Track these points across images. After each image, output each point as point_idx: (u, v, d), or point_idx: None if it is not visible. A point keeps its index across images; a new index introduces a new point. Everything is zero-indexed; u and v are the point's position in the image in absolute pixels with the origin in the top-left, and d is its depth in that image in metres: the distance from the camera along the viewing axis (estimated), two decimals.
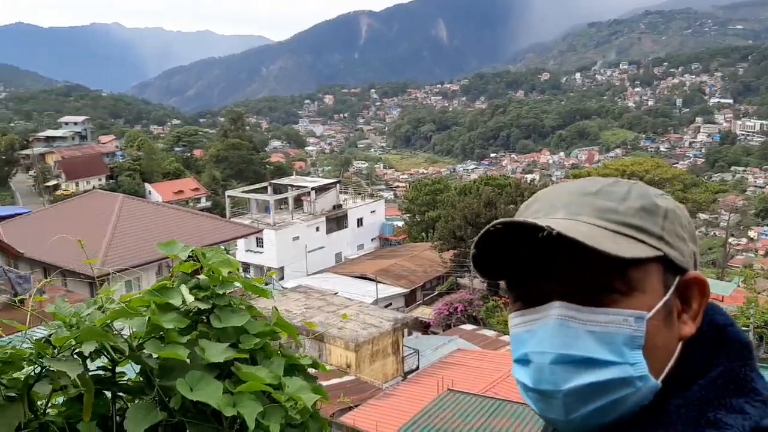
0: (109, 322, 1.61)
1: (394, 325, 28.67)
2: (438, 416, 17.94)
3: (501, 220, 1.01)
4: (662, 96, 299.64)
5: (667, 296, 1.02)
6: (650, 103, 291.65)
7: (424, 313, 41.68)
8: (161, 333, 1.63)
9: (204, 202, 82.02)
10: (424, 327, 40.49)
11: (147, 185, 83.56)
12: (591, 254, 0.96)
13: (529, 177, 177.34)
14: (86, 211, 35.25)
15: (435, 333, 38.43)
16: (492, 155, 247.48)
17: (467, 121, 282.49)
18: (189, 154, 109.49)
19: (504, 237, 1.02)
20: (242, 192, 57.71)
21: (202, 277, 1.82)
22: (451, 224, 40.47)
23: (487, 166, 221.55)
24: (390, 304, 41.12)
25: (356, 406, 20.94)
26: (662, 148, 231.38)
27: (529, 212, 1.11)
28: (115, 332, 1.61)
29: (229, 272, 1.81)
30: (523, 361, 1.03)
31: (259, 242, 49.21)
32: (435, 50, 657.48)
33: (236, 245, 43.34)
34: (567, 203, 1.08)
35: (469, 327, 35.95)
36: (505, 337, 31.43)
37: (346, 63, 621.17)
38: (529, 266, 1.04)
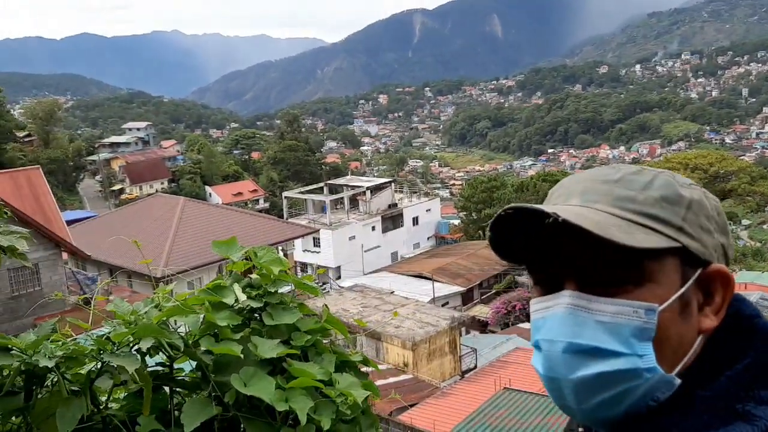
0: (165, 319, 1.67)
1: (450, 323, 28.54)
2: (494, 414, 17.78)
3: (512, 205, 1.02)
4: (727, 86, 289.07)
5: (684, 289, 1.00)
6: (714, 93, 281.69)
7: (482, 311, 41.33)
8: (215, 330, 1.67)
9: (262, 204, 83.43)
10: (482, 326, 40.16)
11: (207, 188, 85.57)
12: (601, 243, 0.96)
13: None
14: (149, 213, 36.38)
15: (493, 332, 38.08)
16: (550, 151, 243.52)
17: (523, 117, 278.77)
18: (247, 157, 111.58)
19: (517, 222, 1.03)
20: (299, 193, 58.44)
21: (254, 276, 1.86)
22: None
23: (544, 162, 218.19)
24: (447, 302, 40.95)
25: (413, 405, 20.95)
26: (728, 140, 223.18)
27: (551, 199, 1.14)
28: (171, 330, 1.67)
29: (281, 271, 1.84)
30: (537, 348, 1.05)
31: (316, 242, 49.74)
32: (489, 46, 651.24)
33: (294, 245, 43.99)
34: (585, 190, 1.08)
35: (527, 326, 35.48)
36: None
37: (400, 62, 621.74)
38: (542, 252, 1.05)
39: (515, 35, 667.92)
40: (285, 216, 53.61)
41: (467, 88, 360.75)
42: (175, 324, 1.70)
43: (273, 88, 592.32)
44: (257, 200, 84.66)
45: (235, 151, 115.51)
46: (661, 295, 0.98)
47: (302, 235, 42.41)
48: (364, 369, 1.92)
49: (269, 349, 1.64)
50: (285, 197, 57.29)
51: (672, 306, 0.99)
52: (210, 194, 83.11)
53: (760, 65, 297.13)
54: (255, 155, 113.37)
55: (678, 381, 0.97)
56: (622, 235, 0.97)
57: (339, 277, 48.45)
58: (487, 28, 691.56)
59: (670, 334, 0.98)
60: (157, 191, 72.43)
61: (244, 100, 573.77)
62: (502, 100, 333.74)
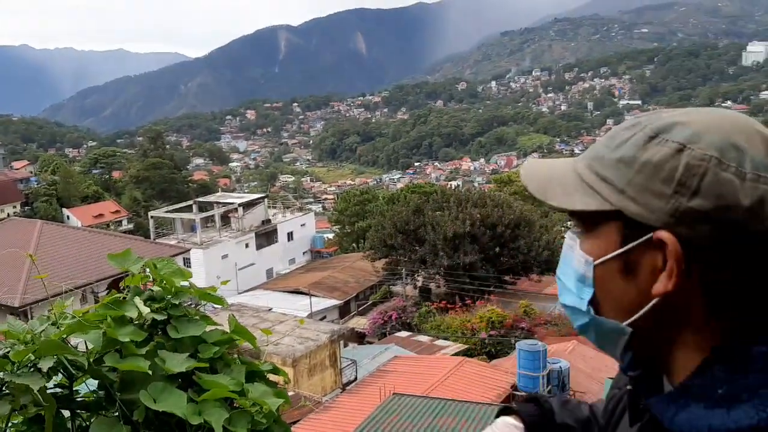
0: (65, 336, 1.56)
1: (330, 337, 28.71)
2: (386, 421, 18.13)
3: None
4: (574, 100, 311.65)
5: (621, 250, 1.03)
6: (563, 107, 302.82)
7: (360, 323, 41.82)
8: (118, 347, 1.59)
9: (126, 225, 79.56)
10: (360, 337, 40.62)
11: (65, 210, 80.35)
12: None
13: (453, 184, 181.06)
14: (2, 240, 33.76)
15: (371, 342, 38.62)
16: (416, 164, 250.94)
17: (390, 131, 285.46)
18: (108, 176, 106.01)
19: None
20: (166, 212, 56.37)
21: (155, 288, 1.79)
22: (381, 233, 40.83)
23: (412, 175, 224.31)
24: (325, 317, 41.08)
25: (296, 422, 20.87)
26: (576, 150, 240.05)
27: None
28: (72, 347, 1.56)
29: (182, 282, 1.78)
30: None
31: (187, 262, 48.18)
32: (355, 63, 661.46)
33: None
34: (592, 146, 1.17)
35: (404, 334, 36.34)
36: (440, 342, 32.01)
37: (267, 78, 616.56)
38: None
39: (379, 52, 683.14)
40: (152, 237, 51.55)
41: (335, 103, 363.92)
42: (74, 343, 1.60)
43: (133, 105, 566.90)
44: (120, 221, 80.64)
45: (95, 171, 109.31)
46: (599, 251, 1.06)
47: (172, 256, 40.97)
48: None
49: (178, 363, 1.58)
50: (151, 217, 55.10)
51: (610, 263, 1.04)
52: (68, 217, 78.11)
53: (602, 80, 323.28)
54: (116, 174, 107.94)
55: (629, 330, 1.03)
56: (562, 197, 1.11)
57: (224, 306, 47.06)
58: (352, 45, 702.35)
59: (609, 288, 1.05)
60: (9, 216, 67.14)
61: (102, 117, 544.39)
62: (370, 116, 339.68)
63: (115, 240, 36.15)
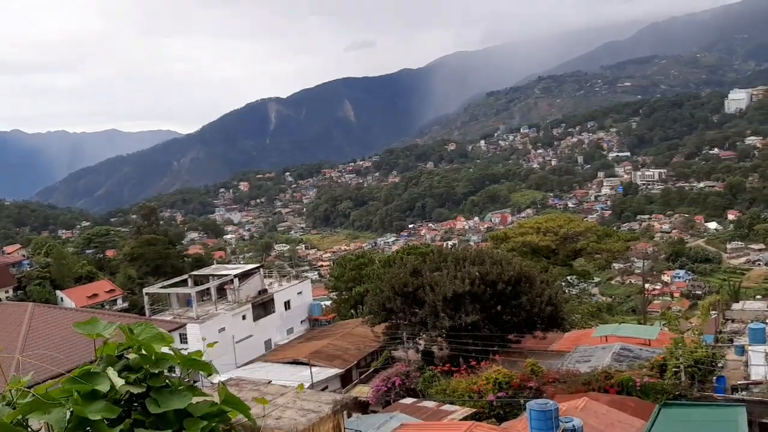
0: (20, 418, 1.34)
1: (333, 407, 27.58)
2: None
3: None
4: (564, 155, 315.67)
5: None
6: (553, 162, 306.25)
7: (362, 391, 40.62)
8: (88, 427, 1.37)
9: (121, 303, 78.55)
10: (364, 407, 39.38)
11: (59, 292, 79.40)
12: None
13: (448, 243, 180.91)
14: None
15: (375, 411, 37.40)
16: (410, 226, 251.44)
17: (382, 195, 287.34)
18: (102, 256, 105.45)
19: None
20: (161, 288, 55.62)
21: (132, 356, 1.58)
22: (379, 297, 40.16)
23: (406, 237, 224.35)
24: (326, 386, 39.91)
25: None
26: (570, 204, 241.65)
27: None
28: (30, 431, 1.34)
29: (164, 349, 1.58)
30: None
31: (183, 338, 47.18)
32: (344, 130, 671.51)
33: None
34: None
35: (408, 400, 35.21)
36: (446, 407, 30.94)
37: (259, 149, 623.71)
38: None
39: (368, 119, 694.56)
40: (147, 313, 50.67)
41: (326, 170, 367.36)
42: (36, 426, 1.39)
43: (126, 183, 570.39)
44: (115, 300, 79.61)
45: (88, 251, 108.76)
46: None
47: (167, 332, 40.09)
48: None
49: None
50: (146, 293, 54.32)
51: None
52: (62, 299, 77.13)
53: (590, 134, 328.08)
54: (110, 253, 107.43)
55: None
56: None
57: (210, 374, 45.89)
58: (340, 113, 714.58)
59: None
60: (1, 300, 66.19)
61: (95, 197, 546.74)
62: (361, 181, 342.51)
63: (107, 319, 35.36)
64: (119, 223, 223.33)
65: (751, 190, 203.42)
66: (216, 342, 41.67)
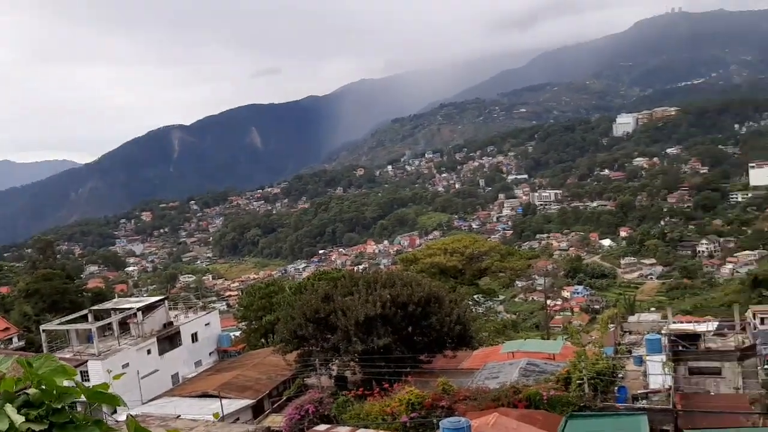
0: None
1: None
2: None
3: None
4: (467, 178, 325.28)
5: None
6: (457, 186, 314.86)
7: (275, 421, 39.96)
8: None
9: (17, 342, 73.75)
10: None
11: None
12: None
13: (359, 267, 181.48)
14: None
15: None
16: (321, 252, 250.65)
17: (292, 221, 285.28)
18: None
19: None
20: (59, 324, 52.82)
21: (32, 391, 1.46)
22: (291, 324, 39.81)
23: (317, 263, 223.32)
24: (238, 418, 39.08)
25: None
26: (474, 226, 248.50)
27: None
28: None
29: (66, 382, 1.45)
30: None
31: (85, 376, 44.95)
32: (251, 157, 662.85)
33: None
34: None
35: (322, 427, 34.95)
36: (361, 431, 31.00)
37: (162, 178, 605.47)
38: None
39: (275, 145, 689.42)
40: (45, 351, 47.94)
41: (233, 198, 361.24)
42: None
43: (20, 216, 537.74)
44: (10, 339, 74.69)
45: None
46: None
47: None
48: None
49: None
50: (43, 331, 51.43)
51: None
52: None
53: (490, 158, 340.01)
54: (4, 290, 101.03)
55: None
56: None
57: (115, 411, 43.95)
58: (247, 140, 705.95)
59: None
60: None
61: None
62: (270, 208, 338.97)
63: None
64: (13, 258, 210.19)
65: (640, 208, 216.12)
66: (123, 373, 39.92)
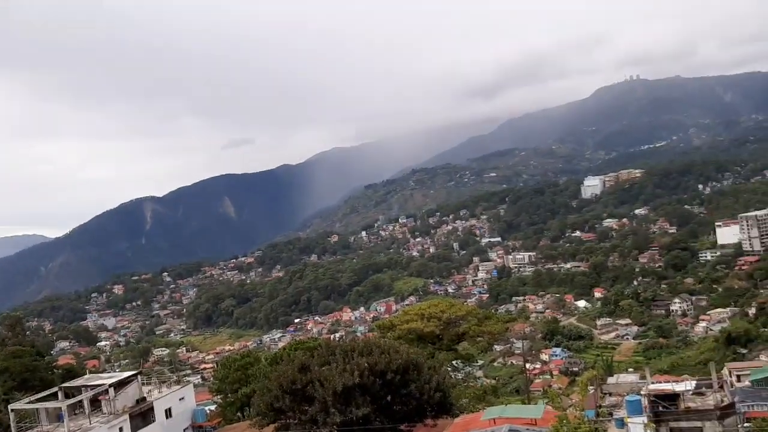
0: None
1: None
2: None
3: None
4: (441, 242, 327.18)
5: None
6: (432, 250, 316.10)
7: None
8: None
9: None
10: None
11: None
12: None
13: (336, 335, 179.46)
14: None
15: None
16: (296, 320, 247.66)
17: (267, 290, 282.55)
18: None
19: None
20: (28, 403, 51.21)
21: None
22: (267, 396, 39.16)
23: (293, 333, 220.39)
24: None
25: None
26: (450, 290, 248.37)
27: None
28: None
29: None
30: None
31: None
32: (224, 227, 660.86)
33: None
34: None
35: None
36: None
37: (134, 250, 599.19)
38: None
39: (249, 214, 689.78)
40: None
41: (207, 268, 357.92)
42: None
43: None
44: None
45: None
46: None
47: None
48: None
49: None
50: (12, 410, 49.78)
51: None
52: None
53: (463, 222, 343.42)
54: None
55: None
56: None
57: None
58: (221, 210, 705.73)
59: None
60: None
61: None
62: (244, 277, 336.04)
63: None
64: None
65: (613, 269, 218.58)
66: None
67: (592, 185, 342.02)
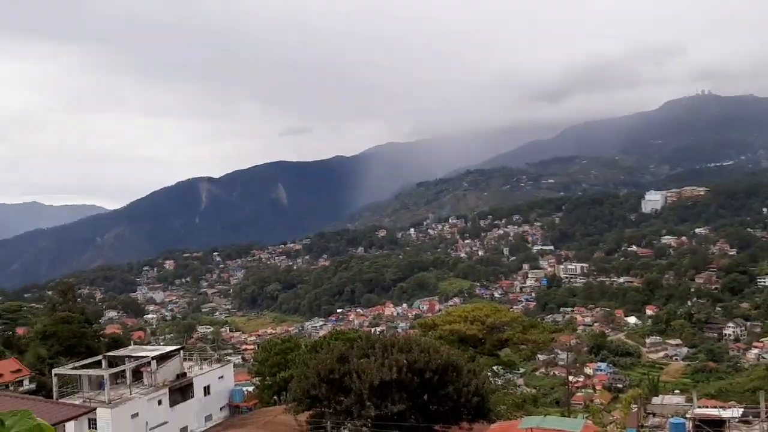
0: None
1: None
2: None
3: None
4: (490, 246, 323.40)
5: None
6: (480, 253, 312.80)
7: None
8: None
9: (28, 385, 73.33)
10: None
11: None
12: None
13: (376, 329, 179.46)
14: None
15: None
16: (339, 310, 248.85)
17: (312, 278, 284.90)
18: (11, 333, 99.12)
19: None
20: (72, 369, 52.37)
21: None
22: (304, 383, 38.97)
23: (334, 322, 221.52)
24: None
25: None
26: (496, 294, 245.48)
27: None
28: None
29: None
30: None
31: (92, 423, 44.21)
32: (276, 212, 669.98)
33: (65, 429, 38.63)
34: None
35: None
36: None
37: (187, 228, 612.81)
38: None
39: (300, 202, 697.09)
40: (55, 396, 47.42)
41: (256, 251, 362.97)
42: None
43: (45, 258, 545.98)
44: (21, 382, 74.35)
45: None
46: None
47: (75, 417, 37.49)
48: None
49: None
50: (55, 375, 50.97)
51: None
52: None
53: (515, 227, 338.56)
54: (21, 331, 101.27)
55: None
56: None
57: None
58: (273, 195, 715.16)
59: None
60: None
61: (9, 271, 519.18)
62: (291, 263, 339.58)
63: (8, 401, 32.99)
64: (34, 299, 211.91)
65: (667, 287, 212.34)
66: None
67: (653, 200, 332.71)
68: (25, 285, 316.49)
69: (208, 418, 53.53)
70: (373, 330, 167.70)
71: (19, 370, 76.26)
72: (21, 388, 69.36)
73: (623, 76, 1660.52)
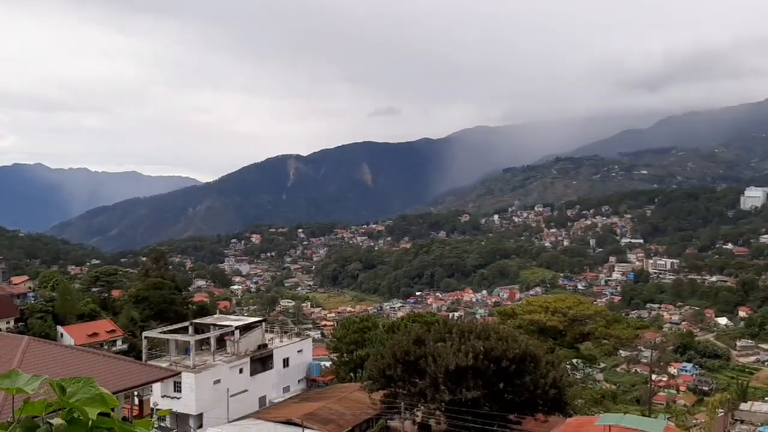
0: None
1: None
2: None
3: None
4: (576, 236, 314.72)
5: None
6: (566, 243, 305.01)
7: None
8: None
9: (120, 345, 77.67)
10: None
11: (59, 328, 78.79)
12: None
13: (454, 314, 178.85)
14: None
15: None
16: (417, 293, 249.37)
17: (393, 260, 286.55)
18: (107, 295, 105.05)
19: None
20: (161, 333, 54.95)
21: (56, 421, 1.23)
22: (380, 363, 39.32)
23: (412, 304, 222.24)
24: None
25: None
26: (580, 286, 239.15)
27: None
28: None
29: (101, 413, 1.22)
30: None
31: (177, 386, 46.31)
32: (360, 192, 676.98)
33: (151, 390, 40.63)
34: None
35: None
36: None
37: (274, 204, 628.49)
38: None
39: (384, 183, 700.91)
40: (144, 358, 49.91)
41: (339, 230, 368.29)
42: None
43: (140, 225, 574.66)
44: (115, 341, 78.80)
45: (94, 289, 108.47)
46: None
47: (161, 379, 39.28)
48: None
49: None
50: (145, 337, 53.62)
51: None
52: (62, 334, 76.50)
53: (604, 218, 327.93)
54: (116, 293, 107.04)
55: None
56: None
57: (201, 426, 44.95)
58: (358, 175, 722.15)
59: None
60: (0, 331, 65.66)
61: (108, 236, 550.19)
62: (372, 244, 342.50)
63: (101, 360, 34.85)
64: (129, 264, 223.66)
65: (763, 289, 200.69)
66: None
67: (753, 196, 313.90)
68: (122, 250, 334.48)
69: (286, 389, 54.95)
70: (450, 315, 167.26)
71: (113, 331, 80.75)
72: (114, 348, 73.36)
73: (727, 66, 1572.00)
